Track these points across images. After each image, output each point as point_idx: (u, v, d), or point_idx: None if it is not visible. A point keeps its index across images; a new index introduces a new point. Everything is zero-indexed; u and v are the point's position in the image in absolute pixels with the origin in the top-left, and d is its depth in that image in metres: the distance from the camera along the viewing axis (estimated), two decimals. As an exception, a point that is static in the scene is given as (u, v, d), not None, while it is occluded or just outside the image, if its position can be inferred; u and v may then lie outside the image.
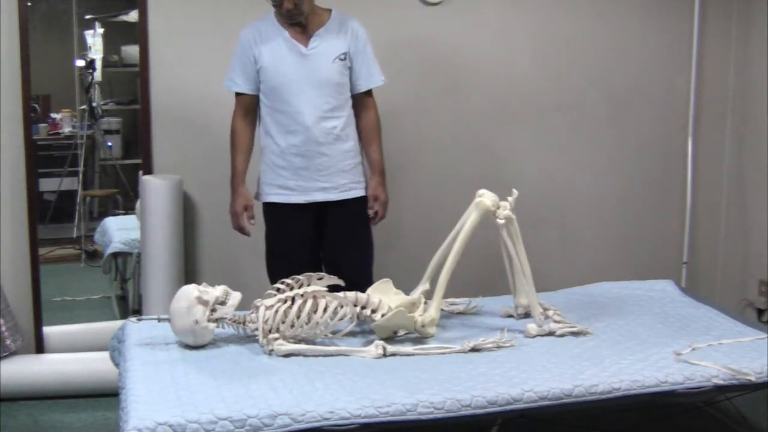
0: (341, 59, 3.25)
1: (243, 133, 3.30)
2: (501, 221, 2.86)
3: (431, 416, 2.25)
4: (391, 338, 2.77)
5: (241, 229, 3.35)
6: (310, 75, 3.21)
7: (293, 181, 3.27)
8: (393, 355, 2.62)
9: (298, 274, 2.81)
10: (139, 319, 2.92)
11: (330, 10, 3.30)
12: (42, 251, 3.77)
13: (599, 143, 4.27)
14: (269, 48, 3.22)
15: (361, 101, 3.34)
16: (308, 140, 3.22)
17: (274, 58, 3.21)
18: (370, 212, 3.35)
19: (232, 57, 3.28)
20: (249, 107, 3.30)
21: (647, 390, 2.44)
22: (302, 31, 3.23)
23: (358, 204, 3.34)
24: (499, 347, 2.71)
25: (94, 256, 4.30)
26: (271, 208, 3.34)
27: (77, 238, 4.30)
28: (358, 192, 3.34)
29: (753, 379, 2.51)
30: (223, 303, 2.69)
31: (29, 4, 3.56)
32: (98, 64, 4.15)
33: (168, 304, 2.74)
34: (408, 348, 2.67)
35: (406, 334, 2.81)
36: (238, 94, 3.30)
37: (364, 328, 2.83)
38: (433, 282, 2.90)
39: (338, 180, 3.29)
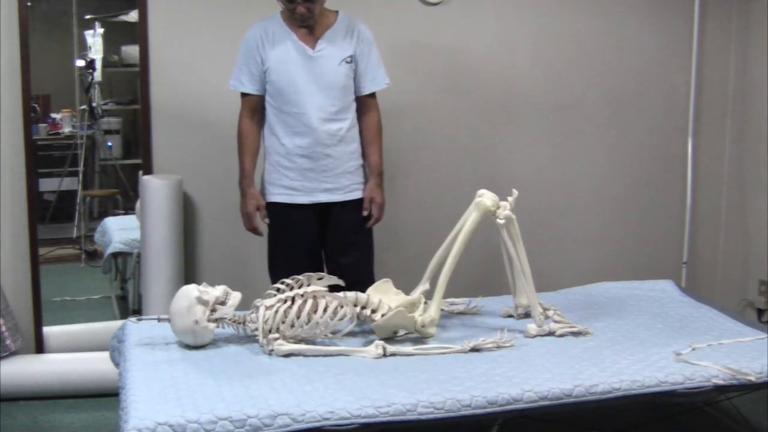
0: (347, 62, 3.25)
1: (250, 133, 3.30)
2: (501, 221, 2.86)
3: (431, 416, 2.25)
4: (391, 338, 2.77)
5: (255, 230, 3.35)
6: (316, 77, 3.21)
7: (298, 182, 3.27)
8: (393, 355, 2.62)
9: (300, 274, 2.81)
10: (139, 319, 2.92)
11: (337, 12, 3.30)
12: (42, 251, 3.77)
13: (599, 143, 4.26)
14: (277, 50, 3.21)
15: (365, 103, 3.33)
16: (314, 142, 3.22)
17: (282, 59, 3.21)
18: (365, 213, 3.34)
19: (238, 57, 3.27)
20: (255, 107, 3.29)
21: (647, 390, 2.43)
22: (310, 32, 3.23)
23: (361, 205, 3.34)
24: (499, 347, 2.71)
25: (94, 256, 4.30)
26: (274, 208, 3.33)
27: (77, 238, 4.29)
28: (361, 193, 3.34)
29: (753, 379, 2.51)
30: (223, 303, 2.69)
31: (29, 4, 3.56)
32: (98, 64, 4.14)
33: (168, 304, 2.74)
34: (408, 348, 2.67)
35: (406, 334, 2.81)
36: (244, 95, 3.29)
37: (364, 328, 2.83)
38: (433, 282, 2.90)
39: (342, 181, 3.29)
